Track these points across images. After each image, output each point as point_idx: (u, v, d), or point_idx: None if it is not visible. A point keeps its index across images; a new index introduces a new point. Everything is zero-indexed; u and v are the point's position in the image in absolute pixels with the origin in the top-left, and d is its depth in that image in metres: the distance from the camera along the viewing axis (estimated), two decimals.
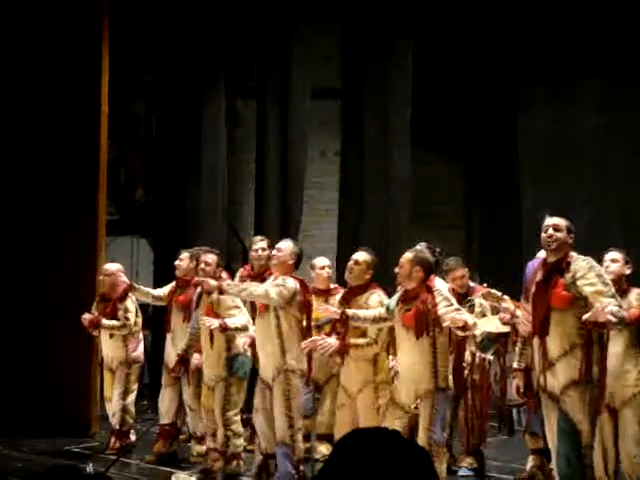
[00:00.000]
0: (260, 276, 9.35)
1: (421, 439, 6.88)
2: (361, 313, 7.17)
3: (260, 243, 9.37)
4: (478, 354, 7.69)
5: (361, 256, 7.53)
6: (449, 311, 6.69)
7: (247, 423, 9.33)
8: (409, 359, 6.95)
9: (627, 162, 11.89)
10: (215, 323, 7.70)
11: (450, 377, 7.04)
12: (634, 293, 6.73)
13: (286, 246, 7.63)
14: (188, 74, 12.41)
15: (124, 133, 12.75)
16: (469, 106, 13.35)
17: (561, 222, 6.25)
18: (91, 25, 9.98)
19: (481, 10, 12.99)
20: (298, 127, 12.74)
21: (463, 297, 8.14)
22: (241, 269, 9.70)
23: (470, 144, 13.49)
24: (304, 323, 7.40)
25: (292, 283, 7.33)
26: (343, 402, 7.59)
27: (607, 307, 5.79)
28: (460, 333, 6.76)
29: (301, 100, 12.73)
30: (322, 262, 8.98)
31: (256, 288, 7.37)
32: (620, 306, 5.97)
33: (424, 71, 12.91)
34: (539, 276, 6.24)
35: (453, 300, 6.89)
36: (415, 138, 12.89)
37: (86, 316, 8.96)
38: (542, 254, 6.52)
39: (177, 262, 8.87)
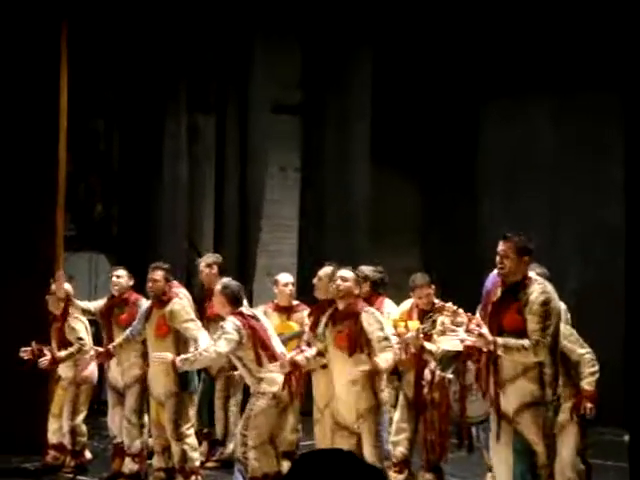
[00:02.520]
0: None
1: (371, 457, 6.94)
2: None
3: (206, 261, 9.40)
4: (437, 372, 7.70)
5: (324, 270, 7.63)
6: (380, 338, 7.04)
7: (207, 437, 9.30)
8: (346, 379, 7.01)
9: (583, 178, 12.00)
10: (169, 358, 7.51)
11: (386, 393, 7.16)
12: None
13: (216, 290, 7.53)
14: (148, 90, 12.38)
15: (84, 149, 12.68)
16: (429, 123, 13.41)
17: (510, 247, 6.13)
18: (50, 41, 9.93)
19: (440, 28, 13.05)
20: (258, 142, 12.76)
21: (427, 314, 8.16)
22: None
23: (429, 161, 13.54)
24: (262, 348, 7.37)
25: (230, 325, 7.20)
26: (317, 417, 7.65)
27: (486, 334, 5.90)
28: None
29: (260, 115, 12.74)
30: (286, 279, 9.00)
31: (206, 354, 7.25)
32: (537, 341, 5.97)
33: (384, 88, 12.96)
34: (496, 295, 6.24)
35: (384, 325, 7.16)
36: (375, 155, 12.93)
37: (43, 361, 8.70)
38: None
39: (115, 279, 8.70)
